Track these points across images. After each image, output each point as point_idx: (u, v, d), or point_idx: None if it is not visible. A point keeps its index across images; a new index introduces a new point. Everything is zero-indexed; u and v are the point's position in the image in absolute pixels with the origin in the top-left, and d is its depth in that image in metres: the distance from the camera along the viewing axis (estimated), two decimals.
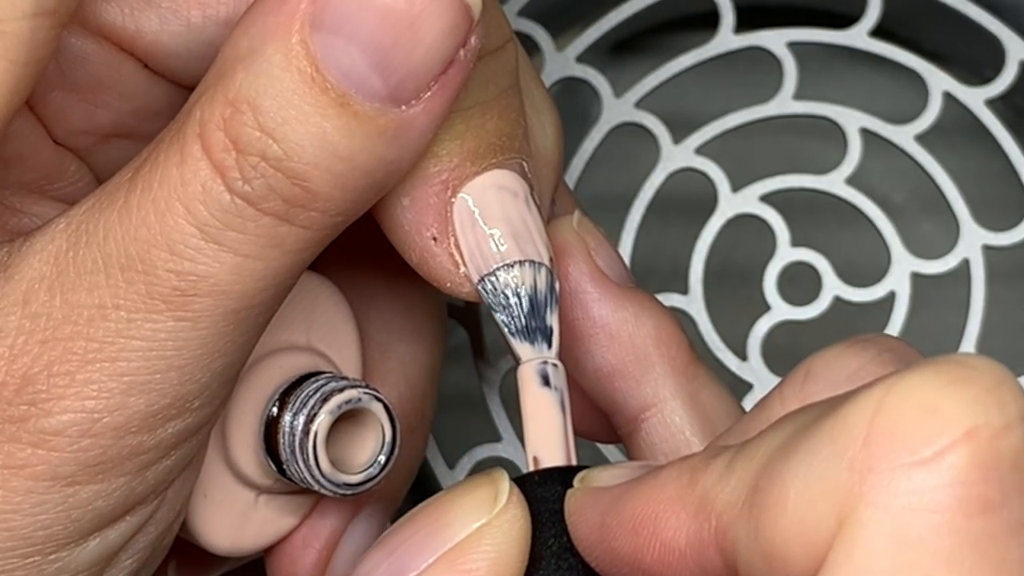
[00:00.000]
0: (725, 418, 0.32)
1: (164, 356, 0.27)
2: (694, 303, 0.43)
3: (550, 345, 0.29)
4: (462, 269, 0.29)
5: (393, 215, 0.29)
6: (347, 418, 0.31)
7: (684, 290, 0.44)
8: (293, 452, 0.31)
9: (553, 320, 0.29)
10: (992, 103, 0.44)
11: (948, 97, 0.44)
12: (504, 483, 0.26)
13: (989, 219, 0.44)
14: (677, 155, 0.45)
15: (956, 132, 0.45)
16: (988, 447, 0.21)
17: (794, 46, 0.45)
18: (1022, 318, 0.48)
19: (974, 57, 0.46)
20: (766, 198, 0.44)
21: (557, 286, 0.29)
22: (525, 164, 0.29)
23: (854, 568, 0.21)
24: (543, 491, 0.27)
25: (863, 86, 0.47)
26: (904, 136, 0.44)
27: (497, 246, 0.29)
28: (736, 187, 0.44)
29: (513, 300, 0.29)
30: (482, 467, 0.43)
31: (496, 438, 0.43)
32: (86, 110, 0.30)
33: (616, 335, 0.31)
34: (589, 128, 0.45)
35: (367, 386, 0.31)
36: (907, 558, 0.21)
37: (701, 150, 0.44)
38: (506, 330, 0.29)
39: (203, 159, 0.26)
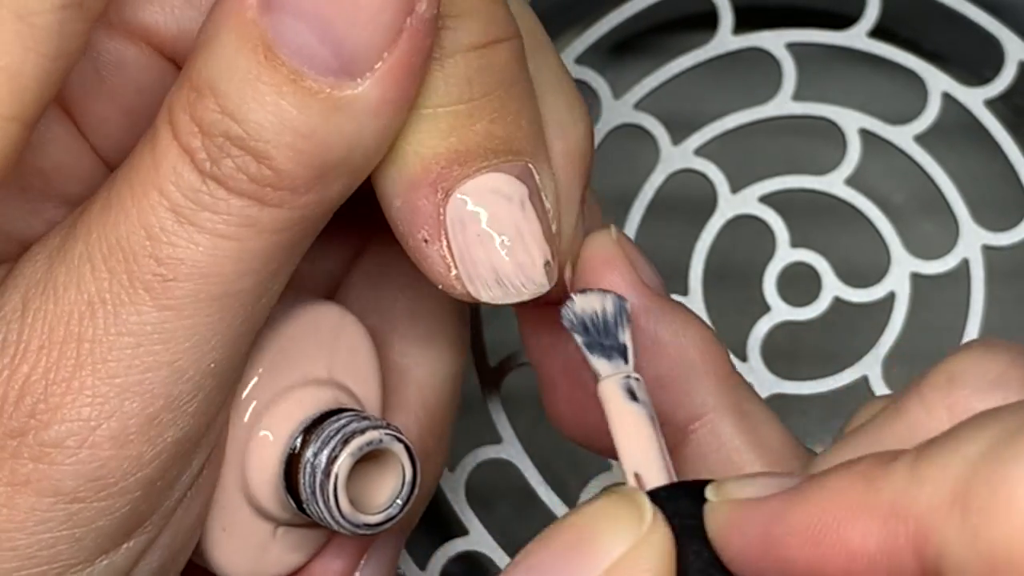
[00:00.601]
0: (768, 427, 0.32)
1: (152, 351, 0.27)
2: (694, 304, 0.43)
3: (626, 361, 0.29)
4: (453, 272, 0.29)
5: (390, 216, 0.29)
6: (368, 457, 0.31)
7: (684, 291, 0.44)
8: (313, 492, 0.31)
9: (627, 338, 0.29)
10: (991, 103, 0.44)
11: (947, 97, 0.44)
12: (645, 501, 0.26)
13: (989, 219, 0.44)
14: (676, 156, 0.45)
15: (955, 132, 0.45)
16: None
17: (793, 47, 0.45)
18: (1022, 318, 0.48)
19: (973, 57, 0.46)
20: (766, 199, 0.44)
21: (628, 306, 0.29)
22: (530, 166, 0.29)
23: None
24: (676, 506, 0.26)
25: (862, 86, 0.47)
26: (903, 136, 0.44)
27: (486, 251, 0.29)
28: (736, 188, 0.44)
29: (588, 319, 0.29)
30: (484, 469, 0.43)
31: (496, 440, 0.43)
32: (128, 120, 0.30)
33: (664, 346, 0.32)
34: None
35: (388, 425, 0.31)
36: None
37: (700, 151, 0.44)
38: (585, 349, 0.29)
39: (172, 143, 0.27)
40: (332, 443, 0.31)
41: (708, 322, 0.43)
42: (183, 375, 0.27)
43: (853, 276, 0.43)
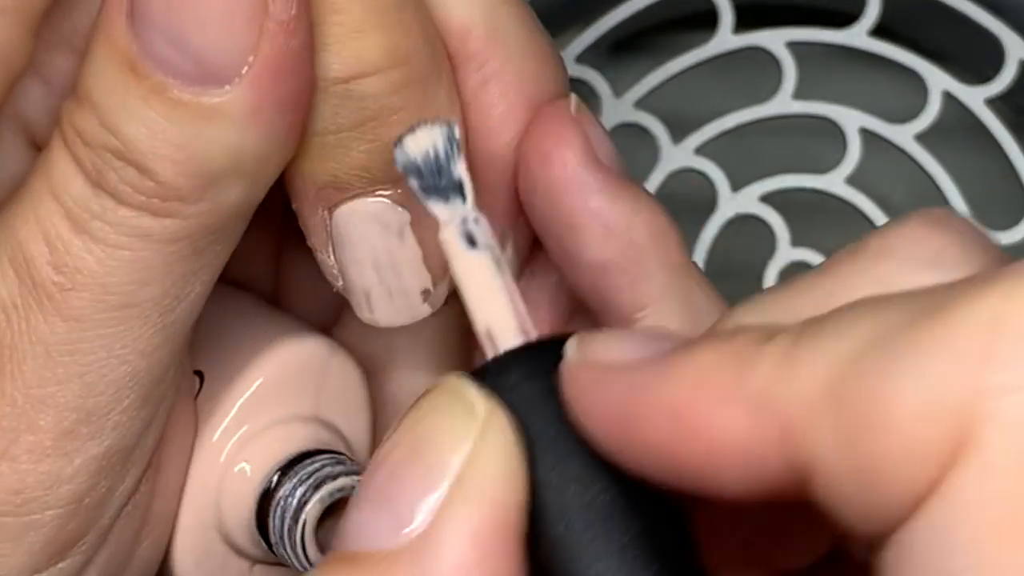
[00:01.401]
0: (714, 315, 0.30)
1: (61, 362, 0.27)
2: None
3: (464, 199, 0.26)
4: (340, 282, 0.29)
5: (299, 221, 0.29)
6: (340, 503, 0.30)
7: None
8: (282, 536, 0.30)
9: (461, 171, 0.26)
10: (992, 102, 0.44)
11: (948, 96, 0.44)
12: (472, 390, 0.24)
13: (989, 218, 0.44)
14: (677, 155, 0.44)
15: (956, 131, 0.45)
16: None
17: (793, 46, 0.45)
18: None
19: (974, 56, 0.46)
20: (766, 198, 0.44)
21: (458, 133, 0.27)
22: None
23: (979, 492, 0.20)
24: (514, 376, 0.24)
25: (863, 86, 0.47)
26: (904, 136, 0.44)
27: (359, 275, 0.29)
28: (736, 187, 0.44)
29: (421, 159, 0.27)
30: None
31: None
32: None
33: (613, 228, 0.30)
34: None
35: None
36: None
37: (701, 150, 0.44)
38: (420, 194, 0.26)
39: (64, 151, 0.26)
40: (304, 486, 0.30)
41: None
42: (94, 388, 0.27)
43: None
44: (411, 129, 0.27)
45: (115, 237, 0.26)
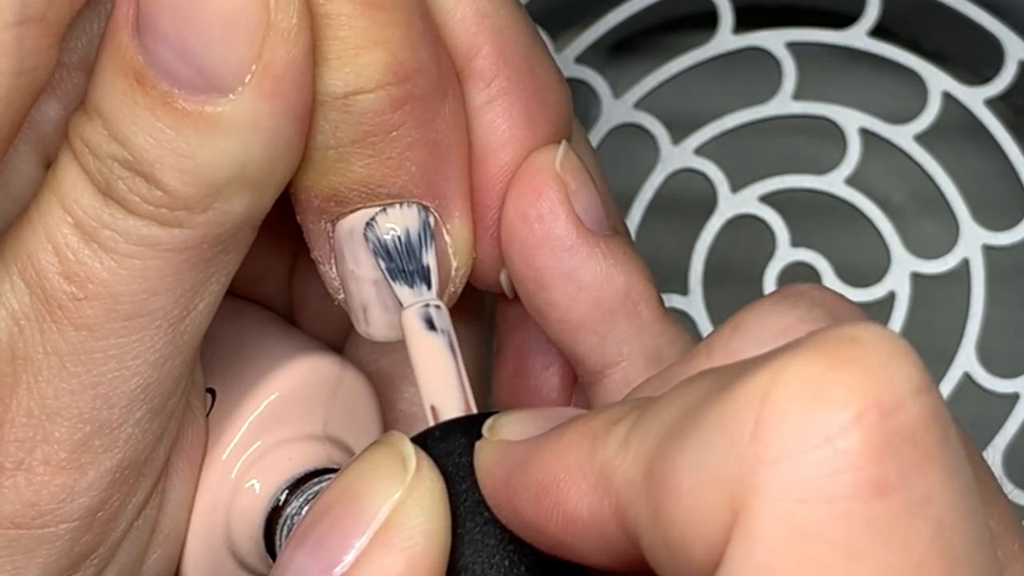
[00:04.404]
0: (682, 376, 0.31)
1: (75, 373, 0.27)
2: (694, 303, 0.43)
3: (429, 286, 0.28)
4: (340, 295, 0.30)
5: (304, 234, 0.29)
6: None
7: (684, 290, 0.44)
8: None
9: (430, 259, 0.28)
10: (991, 103, 0.44)
11: (947, 97, 0.44)
12: (408, 448, 0.25)
13: (989, 219, 0.44)
14: (676, 156, 0.44)
15: (956, 132, 0.45)
16: (880, 427, 0.20)
17: (793, 46, 0.45)
18: (1022, 318, 0.48)
19: (973, 57, 0.46)
20: (766, 198, 0.44)
21: (432, 222, 0.28)
22: (418, 207, 0.29)
23: (752, 563, 0.21)
24: (448, 445, 0.26)
25: (862, 86, 0.47)
26: (903, 136, 0.44)
27: (358, 290, 0.29)
28: (736, 187, 0.44)
29: (390, 242, 0.28)
30: None
31: None
32: None
33: (584, 288, 0.30)
34: (588, 129, 0.45)
35: None
36: (805, 550, 0.20)
37: (700, 150, 0.44)
38: (387, 276, 0.28)
39: (73, 162, 0.27)
40: (308, 506, 0.30)
41: (708, 321, 0.43)
42: (107, 400, 0.27)
43: (853, 276, 0.43)
44: (383, 209, 0.28)
45: (124, 246, 0.26)
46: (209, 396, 0.31)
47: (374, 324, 0.29)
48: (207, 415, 0.31)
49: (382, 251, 0.28)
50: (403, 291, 0.28)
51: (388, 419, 0.33)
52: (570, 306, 0.30)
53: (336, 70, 0.27)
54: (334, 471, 0.31)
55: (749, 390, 0.21)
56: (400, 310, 0.28)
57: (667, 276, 0.45)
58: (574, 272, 0.30)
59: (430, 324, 0.28)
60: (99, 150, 0.26)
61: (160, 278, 0.27)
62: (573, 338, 0.30)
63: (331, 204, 0.28)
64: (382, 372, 0.33)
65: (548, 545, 0.24)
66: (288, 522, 0.30)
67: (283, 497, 0.31)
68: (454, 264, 0.29)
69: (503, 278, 0.30)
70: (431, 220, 0.28)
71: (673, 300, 0.43)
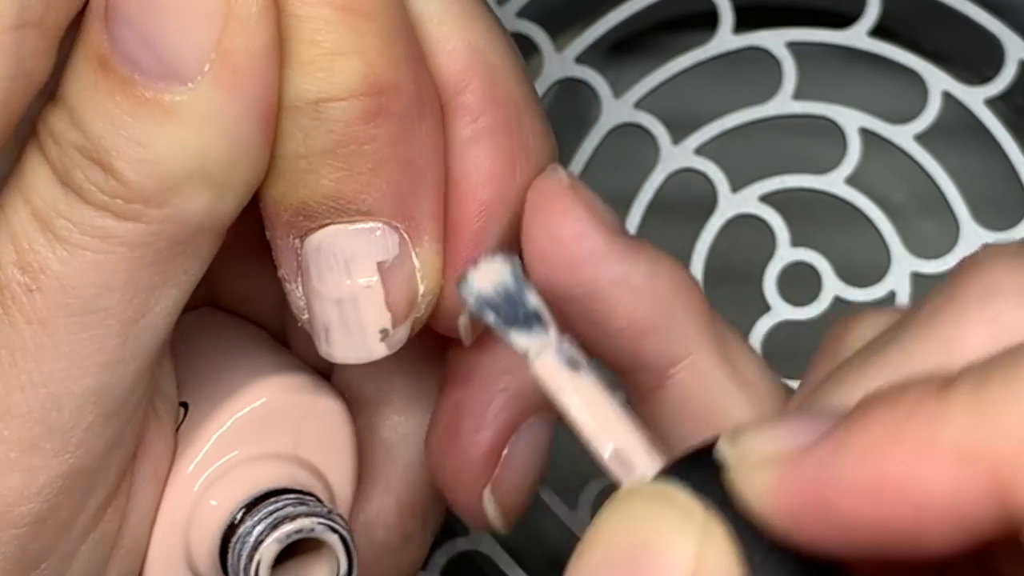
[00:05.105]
0: (749, 364, 0.30)
1: (25, 369, 0.27)
2: None
3: (544, 326, 0.26)
4: (304, 315, 0.29)
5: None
6: (308, 545, 0.30)
7: None
8: (238, 574, 0.30)
9: (536, 299, 0.26)
10: (992, 102, 0.44)
11: (948, 97, 0.44)
12: (683, 495, 0.23)
13: (989, 219, 0.44)
14: (677, 155, 0.44)
15: (956, 132, 0.45)
16: None
17: (793, 46, 0.45)
18: None
19: (974, 57, 0.46)
20: (766, 198, 0.44)
21: (519, 262, 0.27)
22: (386, 227, 0.28)
23: None
24: (698, 479, 0.23)
25: (862, 86, 0.47)
26: (904, 136, 0.44)
27: (320, 308, 0.28)
28: (736, 187, 0.44)
29: (494, 295, 0.26)
30: None
31: None
32: None
33: (637, 291, 0.29)
34: (588, 129, 0.45)
35: (330, 514, 0.30)
36: None
37: (701, 150, 0.44)
38: (501, 330, 0.26)
39: (37, 151, 0.26)
40: (262, 525, 0.30)
41: None
42: (57, 400, 0.27)
43: (853, 275, 0.43)
44: (474, 264, 0.26)
45: (78, 237, 0.26)
46: (182, 409, 0.31)
47: (335, 345, 0.29)
48: (177, 429, 0.31)
49: (488, 304, 0.26)
50: (522, 338, 0.25)
51: (369, 446, 0.33)
52: (631, 310, 0.29)
53: (309, 74, 0.26)
54: (293, 492, 0.31)
55: None
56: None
57: None
58: (626, 276, 0.29)
59: (573, 364, 0.25)
60: (60, 137, 0.26)
61: (113, 273, 0.26)
62: (638, 343, 0.29)
63: (300, 218, 0.28)
64: (367, 397, 0.33)
65: (879, 544, 0.22)
66: (240, 541, 0.30)
67: (239, 516, 0.30)
68: (421, 289, 0.29)
69: (462, 321, 0.30)
70: (519, 263, 0.27)
71: None
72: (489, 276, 0.26)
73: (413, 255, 0.28)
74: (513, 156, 0.29)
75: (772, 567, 0.23)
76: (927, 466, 0.21)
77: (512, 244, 0.30)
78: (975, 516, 0.21)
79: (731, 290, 0.45)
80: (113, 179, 0.26)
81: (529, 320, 0.26)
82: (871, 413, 0.22)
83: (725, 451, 0.23)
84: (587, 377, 0.25)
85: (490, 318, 0.26)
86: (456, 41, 0.29)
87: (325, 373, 0.33)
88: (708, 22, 0.45)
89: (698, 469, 0.24)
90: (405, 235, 0.28)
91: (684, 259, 0.44)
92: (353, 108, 0.27)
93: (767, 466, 0.23)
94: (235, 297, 0.29)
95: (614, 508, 0.24)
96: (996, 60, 0.44)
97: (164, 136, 0.26)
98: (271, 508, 0.30)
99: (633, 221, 0.44)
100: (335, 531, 0.30)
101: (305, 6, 0.26)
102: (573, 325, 0.29)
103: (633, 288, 0.29)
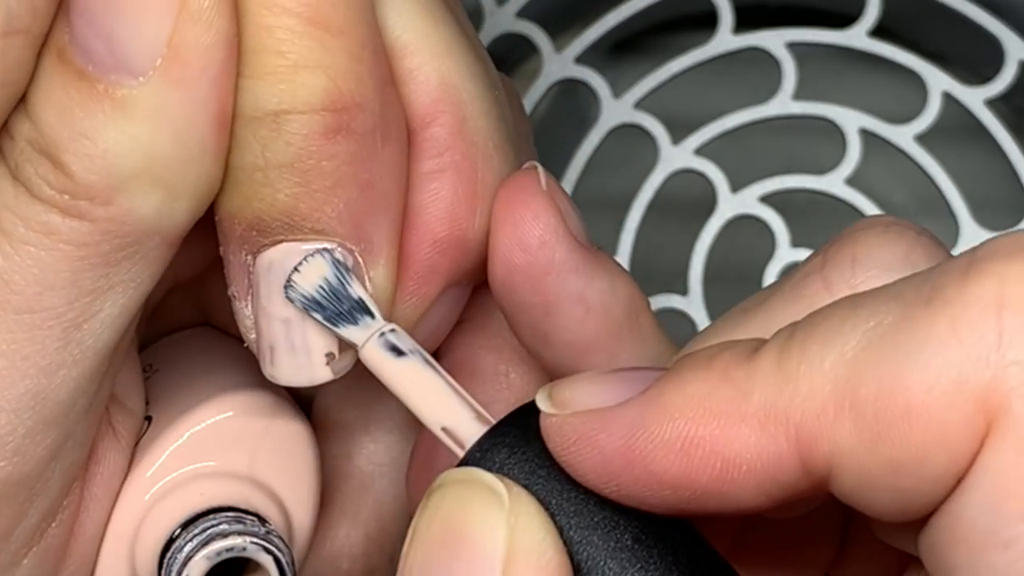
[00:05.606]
0: None
1: None
2: (694, 304, 0.43)
3: (372, 315, 0.27)
4: (252, 335, 0.28)
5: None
6: (248, 566, 0.30)
7: (684, 291, 0.44)
8: None
9: (359, 291, 0.27)
10: (992, 103, 0.44)
11: (948, 97, 0.44)
12: (486, 478, 0.24)
13: (989, 219, 0.44)
14: (676, 156, 0.44)
15: (956, 132, 0.45)
16: None
17: (793, 46, 0.45)
18: None
19: (974, 57, 0.46)
20: (765, 199, 0.44)
21: (340, 256, 0.27)
22: (340, 248, 0.27)
23: (1020, 462, 0.21)
24: (503, 452, 0.25)
25: (862, 86, 0.47)
26: (904, 136, 0.44)
27: (267, 328, 0.28)
28: (735, 188, 0.44)
29: (316, 295, 0.27)
30: None
31: None
32: None
33: (593, 308, 0.29)
34: (588, 129, 0.45)
35: (268, 534, 0.30)
36: None
37: (700, 151, 0.44)
38: (330, 325, 0.27)
39: None
40: (194, 542, 0.29)
41: (708, 321, 0.43)
42: None
43: None
44: (296, 268, 0.27)
45: (22, 231, 0.26)
46: (146, 423, 0.30)
47: (279, 366, 0.28)
48: (137, 442, 0.30)
49: (313, 306, 0.27)
50: (350, 330, 0.27)
51: (344, 474, 0.32)
52: (580, 328, 0.29)
53: (271, 85, 0.26)
54: (232, 510, 0.30)
55: (975, 296, 0.22)
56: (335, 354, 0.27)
57: (667, 276, 0.45)
58: (583, 293, 0.29)
59: (396, 350, 0.26)
60: (15, 130, 0.26)
61: (56, 272, 0.26)
62: (580, 361, 0.29)
63: (253, 233, 0.27)
64: (347, 424, 0.32)
65: (688, 499, 0.23)
66: (173, 556, 0.30)
67: (177, 531, 0.30)
68: None
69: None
70: (339, 256, 0.27)
71: (673, 300, 0.43)
72: (310, 277, 0.27)
73: (367, 279, 0.28)
74: (475, 196, 0.29)
75: (581, 524, 0.24)
76: (733, 428, 0.23)
77: (462, 279, 0.29)
78: (782, 474, 0.22)
79: (731, 290, 0.45)
80: (61, 173, 0.25)
81: (354, 312, 0.27)
82: (684, 375, 0.23)
83: (543, 404, 0.25)
84: (411, 361, 0.26)
85: (317, 317, 0.27)
86: (430, 71, 0.28)
87: (309, 398, 0.33)
88: (708, 22, 0.45)
89: (511, 432, 0.25)
90: (359, 258, 0.28)
91: (684, 259, 0.44)
92: (313, 123, 0.26)
93: (582, 417, 0.24)
94: (228, 316, 0.28)
95: (428, 501, 0.25)
96: (996, 60, 0.44)
97: (113, 131, 0.25)
98: (206, 525, 0.30)
99: (632, 222, 0.44)
100: (269, 552, 0.29)
101: (271, 16, 0.26)
102: (519, 331, 0.29)
103: (588, 306, 0.29)
